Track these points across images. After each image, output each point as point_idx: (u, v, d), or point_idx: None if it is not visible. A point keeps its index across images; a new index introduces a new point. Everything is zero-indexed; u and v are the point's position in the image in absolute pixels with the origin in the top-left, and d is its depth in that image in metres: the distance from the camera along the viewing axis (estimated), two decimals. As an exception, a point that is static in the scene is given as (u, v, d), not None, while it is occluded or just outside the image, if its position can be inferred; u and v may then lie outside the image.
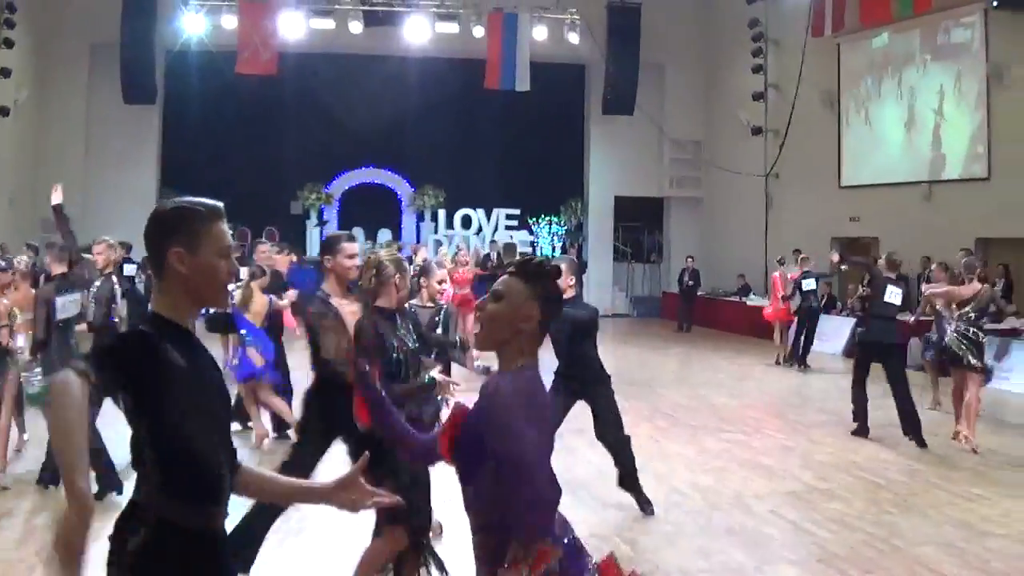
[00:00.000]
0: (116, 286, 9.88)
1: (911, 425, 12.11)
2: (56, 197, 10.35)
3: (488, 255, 25.64)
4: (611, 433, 8.69)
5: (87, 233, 23.88)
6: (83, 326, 9.43)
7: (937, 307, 13.59)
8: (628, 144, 30.75)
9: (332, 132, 29.01)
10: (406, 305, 6.68)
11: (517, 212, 31.72)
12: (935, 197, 22.03)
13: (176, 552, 2.90)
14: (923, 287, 17.58)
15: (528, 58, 27.89)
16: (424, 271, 8.47)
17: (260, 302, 11.02)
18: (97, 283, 9.70)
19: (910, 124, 23.00)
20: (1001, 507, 9.08)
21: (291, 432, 10.94)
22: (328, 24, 27.16)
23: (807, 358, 19.60)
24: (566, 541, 3.18)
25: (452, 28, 27.63)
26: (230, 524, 3.19)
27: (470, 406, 3.34)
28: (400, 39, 27.57)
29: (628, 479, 8.78)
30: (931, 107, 22.39)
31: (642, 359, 20.61)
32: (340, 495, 3.27)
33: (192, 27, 26.35)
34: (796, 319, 19.79)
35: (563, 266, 6.97)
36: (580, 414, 8.73)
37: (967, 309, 12.33)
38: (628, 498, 8.83)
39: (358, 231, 29.89)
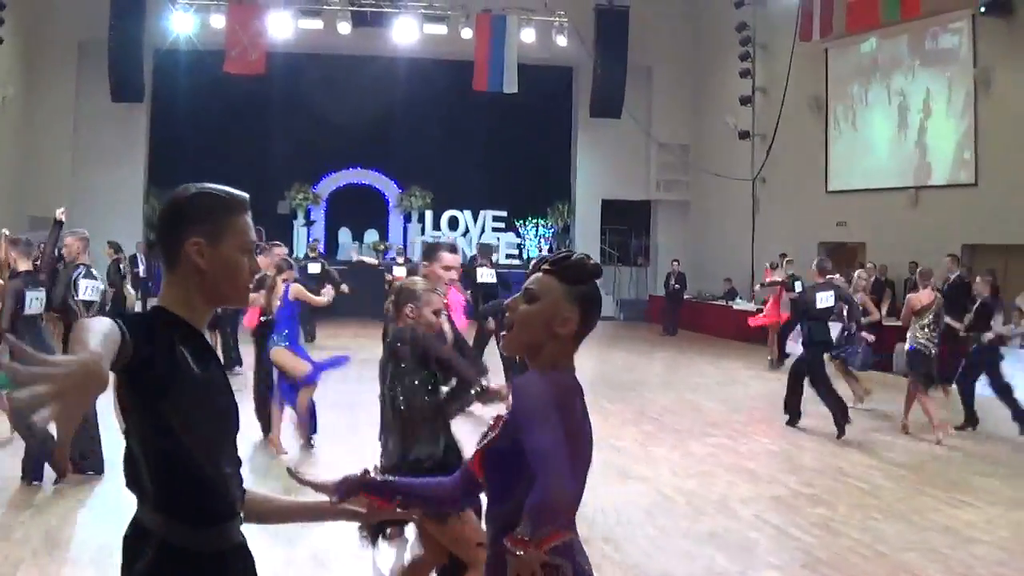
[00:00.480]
0: (80, 274, 9.99)
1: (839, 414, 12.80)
2: (60, 215, 10.40)
3: (474, 257, 25.64)
4: None
5: (74, 230, 23.70)
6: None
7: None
8: (615, 147, 30.79)
9: (320, 132, 29.00)
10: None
11: (504, 214, 31.76)
12: (922, 202, 22.08)
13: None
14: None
15: (516, 60, 27.92)
16: (407, 295, 6.04)
17: (278, 291, 10.91)
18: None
19: (897, 129, 23.06)
20: (986, 514, 9.09)
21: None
22: (316, 24, 27.15)
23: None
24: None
25: (440, 29, 27.64)
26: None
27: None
28: (388, 40, 27.59)
29: None
30: (918, 112, 22.45)
31: (628, 363, 20.61)
32: (346, 509, 3.11)
33: (180, 26, 26.33)
34: (787, 322, 19.77)
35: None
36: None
37: (925, 320, 12.80)
38: (612, 502, 8.83)
39: (345, 232, 29.97)
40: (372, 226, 30.73)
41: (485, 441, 3.02)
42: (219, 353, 12.13)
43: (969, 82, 20.85)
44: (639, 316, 30.73)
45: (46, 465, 9.25)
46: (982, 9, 19.85)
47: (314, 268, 20.78)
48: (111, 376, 2.37)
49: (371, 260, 25.94)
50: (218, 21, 26.51)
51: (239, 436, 2.88)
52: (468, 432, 5.34)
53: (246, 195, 2.94)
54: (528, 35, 28.06)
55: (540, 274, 3.07)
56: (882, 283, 21.34)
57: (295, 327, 11.08)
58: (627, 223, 32.61)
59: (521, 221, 31.85)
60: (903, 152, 22.90)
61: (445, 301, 6.16)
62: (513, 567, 2.63)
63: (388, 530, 5.83)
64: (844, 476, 10.57)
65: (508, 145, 30.24)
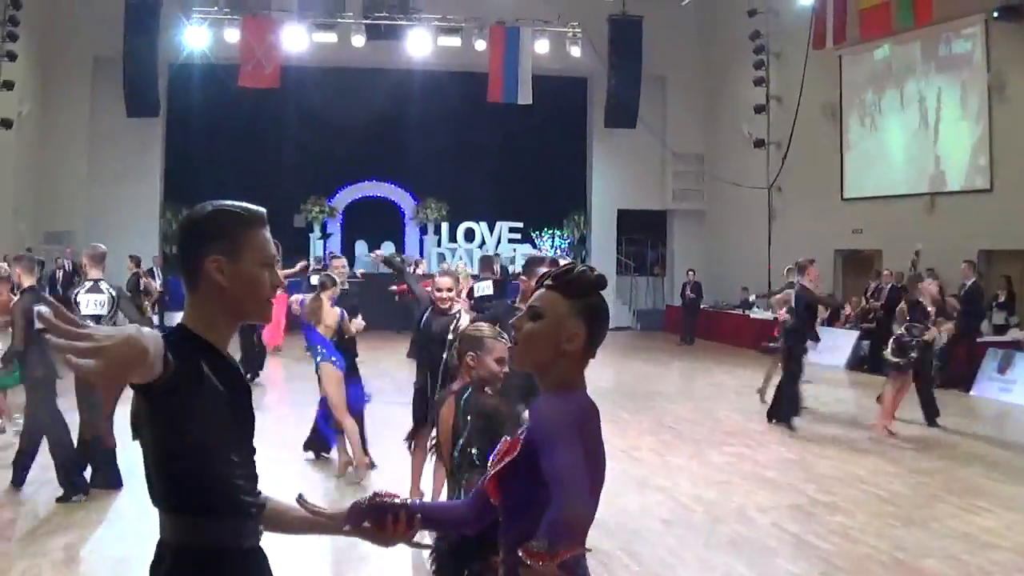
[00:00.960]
0: (83, 290, 9.88)
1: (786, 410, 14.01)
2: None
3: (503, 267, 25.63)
4: None
5: (88, 245, 23.77)
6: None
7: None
8: (630, 157, 30.79)
9: (335, 145, 29.07)
10: None
11: (520, 225, 31.73)
12: (938, 209, 22.02)
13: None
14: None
15: (530, 71, 27.93)
16: (469, 342, 5.64)
17: (331, 315, 10.54)
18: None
19: (912, 136, 23.00)
20: (1005, 519, 9.06)
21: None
22: (331, 37, 27.17)
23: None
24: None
25: (454, 41, 27.65)
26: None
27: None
28: (402, 52, 27.61)
29: None
30: (933, 118, 22.39)
31: (645, 372, 20.61)
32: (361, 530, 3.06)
33: (195, 40, 26.39)
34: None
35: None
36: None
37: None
38: (631, 511, 8.82)
39: (361, 244, 29.96)
40: (388, 238, 30.69)
41: (501, 465, 2.98)
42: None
43: (983, 87, 20.80)
44: (656, 326, 30.70)
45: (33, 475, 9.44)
46: (995, 14, 19.79)
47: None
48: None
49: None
50: (232, 35, 26.56)
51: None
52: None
53: (263, 210, 2.93)
54: (542, 46, 28.06)
55: (543, 290, 3.04)
56: (898, 290, 21.28)
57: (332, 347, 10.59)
58: (643, 233, 32.59)
59: (537, 232, 31.83)
60: (918, 158, 22.84)
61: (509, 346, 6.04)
62: None
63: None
64: (862, 484, 10.54)
65: (523, 156, 30.24)
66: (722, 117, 30.50)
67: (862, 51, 24.30)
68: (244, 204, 2.91)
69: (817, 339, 16.21)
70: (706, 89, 31.28)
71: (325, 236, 30.49)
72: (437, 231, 31.47)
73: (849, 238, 24.65)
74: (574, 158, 31.96)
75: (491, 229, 31.64)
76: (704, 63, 31.11)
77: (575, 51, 28.28)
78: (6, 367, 9.67)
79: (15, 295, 9.99)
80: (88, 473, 9.69)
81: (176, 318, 17.36)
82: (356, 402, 10.70)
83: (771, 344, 16.82)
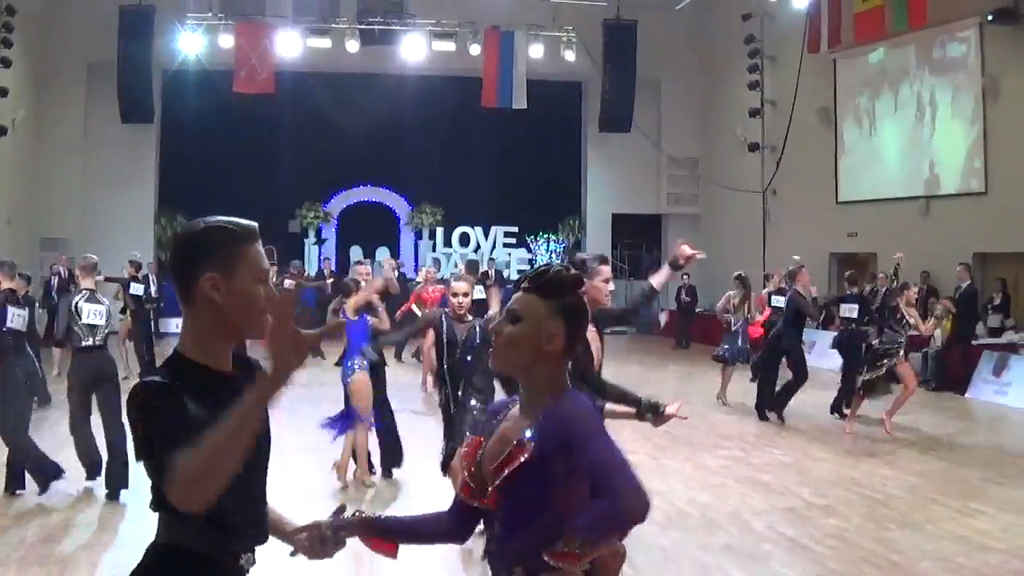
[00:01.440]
0: (83, 298, 9.94)
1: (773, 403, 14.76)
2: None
3: (485, 272, 25.56)
4: None
5: (83, 252, 23.78)
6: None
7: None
8: (625, 161, 30.80)
9: (330, 150, 29.11)
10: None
11: (515, 230, 31.75)
12: (932, 212, 22.04)
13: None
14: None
15: (524, 76, 27.96)
16: None
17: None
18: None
19: (907, 139, 23.03)
20: (1000, 522, 9.05)
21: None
22: (325, 43, 27.17)
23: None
24: None
25: (449, 46, 27.66)
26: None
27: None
28: (397, 57, 27.64)
29: None
30: (927, 121, 22.42)
31: (641, 376, 20.56)
32: (299, 539, 3.10)
33: (189, 46, 26.40)
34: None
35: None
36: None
37: None
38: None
39: (356, 250, 29.97)
40: (383, 244, 30.71)
41: (504, 473, 2.92)
42: None
43: (978, 90, 20.82)
44: (651, 329, 30.67)
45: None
46: (989, 17, 19.82)
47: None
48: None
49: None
50: (226, 41, 26.55)
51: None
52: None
53: (255, 224, 2.89)
54: (536, 51, 28.08)
55: (521, 293, 3.03)
56: (893, 294, 21.29)
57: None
58: (638, 237, 32.60)
59: (532, 236, 31.84)
60: (913, 161, 22.86)
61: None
62: None
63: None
64: (857, 487, 10.53)
65: (518, 161, 30.29)
66: (717, 121, 30.52)
67: (856, 54, 24.33)
68: (236, 219, 2.86)
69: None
70: (701, 93, 31.29)
71: (320, 241, 30.50)
72: (432, 236, 31.48)
73: (844, 241, 24.67)
74: (569, 162, 31.99)
75: (486, 234, 31.66)
76: (699, 67, 31.12)
77: (569, 55, 28.32)
78: None
79: None
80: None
81: (171, 324, 17.52)
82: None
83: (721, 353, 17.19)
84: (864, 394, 13.90)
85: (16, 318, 9.56)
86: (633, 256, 32.69)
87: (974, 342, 18.74)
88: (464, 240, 31.53)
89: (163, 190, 29.44)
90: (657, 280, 6.80)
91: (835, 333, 22.35)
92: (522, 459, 2.88)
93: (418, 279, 21.45)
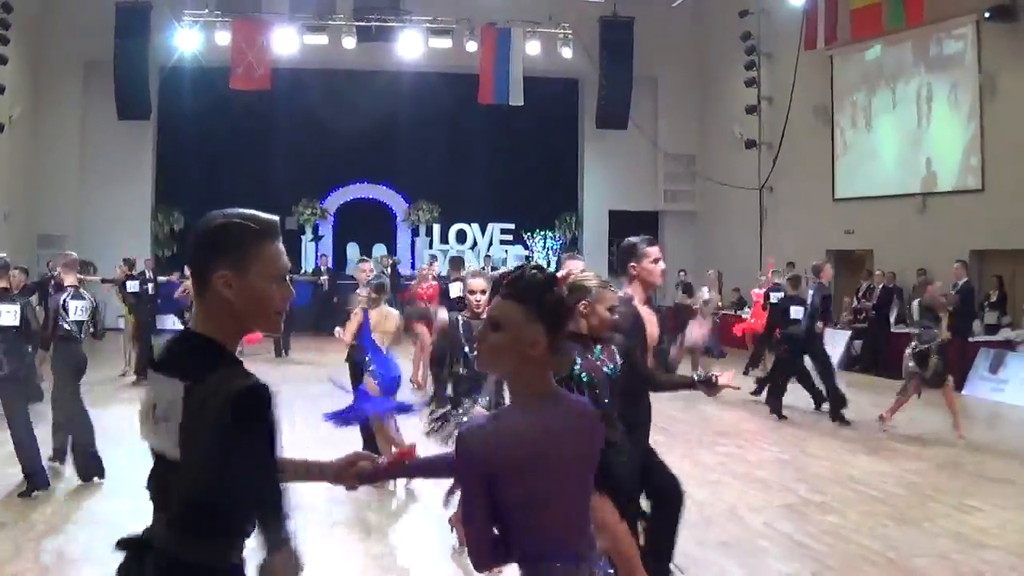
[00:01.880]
0: (69, 296, 10.38)
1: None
2: None
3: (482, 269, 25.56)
4: None
5: (80, 249, 23.94)
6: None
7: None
8: (622, 158, 30.76)
9: (326, 147, 29.06)
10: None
11: (512, 226, 31.70)
12: (929, 209, 22.03)
13: None
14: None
15: (521, 73, 27.93)
16: (579, 291, 5.83)
17: (391, 319, 10.25)
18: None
19: (903, 136, 23.01)
20: (996, 519, 9.07)
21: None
22: (321, 40, 27.14)
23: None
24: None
25: (445, 43, 27.63)
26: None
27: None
28: (393, 54, 27.63)
29: None
30: (924, 119, 22.41)
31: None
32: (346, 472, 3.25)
33: (185, 43, 26.36)
34: (765, 330, 19.72)
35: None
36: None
37: None
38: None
39: (353, 246, 29.96)
40: (380, 240, 30.65)
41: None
42: None
43: (974, 88, 20.81)
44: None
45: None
46: (986, 15, 19.81)
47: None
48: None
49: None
50: (223, 38, 26.51)
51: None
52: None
53: (275, 219, 2.87)
54: (533, 47, 28.06)
55: (499, 299, 3.05)
56: (890, 290, 21.32)
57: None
58: (635, 234, 32.19)
59: (529, 233, 31.80)
60: (910, 159, 22.85)
61: (619, 296, 6.01)
62: None
63: None
64: (854, 483, 10.55)
65: (515, 158, 30.26)
66: (713, 118, 30.50)
67: (853, 52, 24.32)
68: (256, 214, 2.84)
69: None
70: (697, 90, 31.26)
71: (317, 238, 30.45)
72: (429, 233, 31.42)
73: (841, 238, 24.66)
74: (565, 159, 31.94)
75: (483, 231, 31.62)
76: (695, 64, 31.08)
77: (566, 52, 28.30)
78: None
79: None
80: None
81: (167, 321, 17.50)
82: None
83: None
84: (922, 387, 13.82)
85: (5, 315, 9.66)
86: (630, 253, 32.64)
87: (971, 339, 18.75)
88: (461, 237, 31.49)
89: (160, 187, 29.36)
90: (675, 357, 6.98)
91: (833, 328, 22.62)
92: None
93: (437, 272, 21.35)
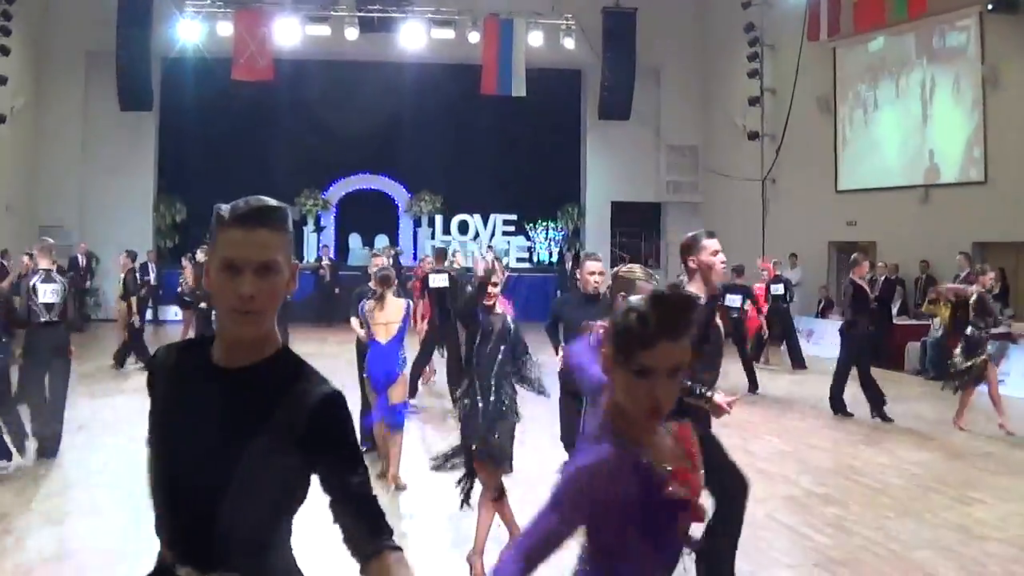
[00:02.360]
0: (39, 279, 10.67)
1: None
2: None
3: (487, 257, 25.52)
4: None
5: (82, 240, 23.97)
6: None
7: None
8: (625, 149, 30.73)
9: (329, 138, 29.00)
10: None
11: (514, 218, 31.70)
12: (932, 201, 22.01)
13: None
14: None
15: (524, 63, 27.89)
16: (623, 285, 6.24)
17: (396, 308, 10.03)
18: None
19: (906, 128, 22.98)
20: (998, 511, 9.07)
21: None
22: (324, 30, 27.12)
23: (801, 358, 19.93)
24: None
25: (448, 34, 27.62)
26: None
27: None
28: (396, 45, 27.59)
29: None
30: (927, 111, 22.38)
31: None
32: None
33: (188, 34, 26.35)
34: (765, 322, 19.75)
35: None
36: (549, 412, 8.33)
37: None
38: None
39: (355, 237, 29.97)
40: (383, 231, 30.63)
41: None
42: None
43: (977, 79, 20.78)
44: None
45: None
46: (989, 6, 19.78)
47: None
48: None
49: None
50: (225, 28, 26.50)
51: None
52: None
53: (243, 205, 2.58)
54: (536, 38, 28.01)
55: (686, 343, 2.73)
56: (893, 282, 21.30)
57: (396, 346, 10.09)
58: (637, 225, 32.50)
59: (531, 224, 31.81)
60: (912, 150, 22.83)
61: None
62: None
63: None
64: (856, 475, 10.55)
65: (517, 148, 30.23)
66: (716, 109, 30.45)
67: (856, 43, 24.28)
68: (242, 200, 2.60)
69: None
70: (700, 81, 31.22)
71: (319, 229, 30.44)
72: (431, 224, 31.41)
73: (843, 230, 24.64)
74: (568, 150, 31.89)
75: (485, 222, 31.61)
76: (698, 55, 31.04)
77: (569, 43, 28.25)
78: None
79: None
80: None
81: (170, 312, 17.67)
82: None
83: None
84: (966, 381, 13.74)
85: None
86: (632, 244, 32.61)
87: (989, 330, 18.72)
88: (463, 228, 31.48)
89: (162, 177, 29.32)
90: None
91: (836, 320, 22.58)
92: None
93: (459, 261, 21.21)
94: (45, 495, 9.18)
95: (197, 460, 2.51)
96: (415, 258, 27.90)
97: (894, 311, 21.18)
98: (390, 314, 10.01)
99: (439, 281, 15.25)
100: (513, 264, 29.15)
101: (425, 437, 12.33)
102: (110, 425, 11.64)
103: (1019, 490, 9.90)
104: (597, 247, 29.95)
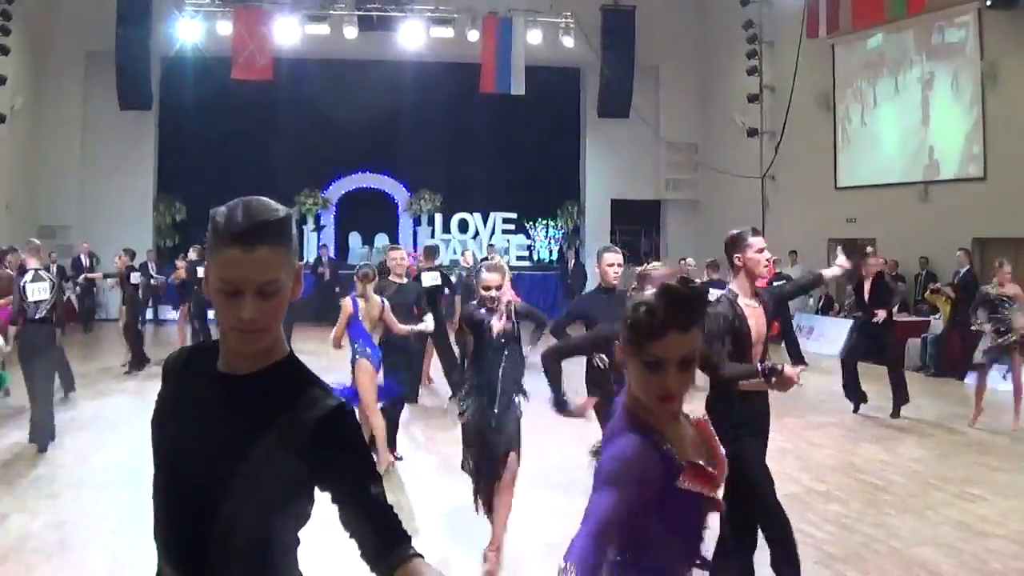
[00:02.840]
0: (28, 279, 11.15)
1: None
2: None
3: (485, 258, 25.48)
4: None
5: (82, 239, 23.95)
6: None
7: None
8: (624, 147, 30.72)
9: (328, 137, 28.98)
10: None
11: (514, 216, 31.67)
12: (931, 197, 22.02)
13: None
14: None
15: (523, 62, 27.89)
16: (645, 283, 6.87)
17: (374, 305, 10.20)
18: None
19: (905, 125, 22.98)
20: (999, 507, 9.08)
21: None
22: (323, 29, 27.11)
23: (800, 354, 19.90)
24: None
25: (447, 32, 27.59)
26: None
27: None
28: (395, 44, 27.56)
29: None
30: (926, 107, 22.38)
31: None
32: None
33: (187, 33, 26.32)
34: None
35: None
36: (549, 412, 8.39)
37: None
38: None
39: (355, 236, 29.96)
40: (382, 230, 30.64)
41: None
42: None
43: (976, 76, 20.78)
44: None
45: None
46: (988, 2, 19.78)
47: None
48: None
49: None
50: (224, 28, 26.49)
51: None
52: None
53: (238, 219, 2.38)
54: (535, 36, 28.00)
55: (695, 332, 2.87)
56: (892, 278, 21.30)
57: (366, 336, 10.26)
58: (637, 223, 32.49)
59: (531, 223, 31.80)
60: (912, 147, 22.83)
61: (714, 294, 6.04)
62: None
63: None
64: (857, 472, 10.56)
65: (517, 147, 30.21)
66: (715, 106, 30.45)
67: (855, 40, 24.27)
68: (227, 213, 2.41)
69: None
70: (699, 78, 31.20)
71: (319, 228, 30.43)
72: (431, 222, 31.38)
73: (843, 227, 24.62)
74: (567, 148, 31.89)
75: (485, 220, 31.58)
76: (697, 52, 31.02)
77: (568, 41, 28.24)
78: None
79: None
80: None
81: (169, 312, 17.69)
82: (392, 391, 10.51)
83: None
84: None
85: None
86: (632, 242, 32.59)
87: (973, 327, 18.73)
88: (463, 226, 31.46)
89: (162, 177, 29.33)
90: (828, 273, 7.27)
91: (835, 317, 22.61)
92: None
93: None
94: (45, 495, 9.18)
95: (195, 465, 2.45)
96: (414, 258, 27.92)
97: (894, 308, 21.17)
98: (373, 310, 10.16)
99: (431, 280, 15.19)
100: (513, 262, 29.09)
101: (425, 437, 12.33)
102: (111, 425, 11.65)
103: (1020, 486, 9.90)
104: (597, 245, 29.82)
